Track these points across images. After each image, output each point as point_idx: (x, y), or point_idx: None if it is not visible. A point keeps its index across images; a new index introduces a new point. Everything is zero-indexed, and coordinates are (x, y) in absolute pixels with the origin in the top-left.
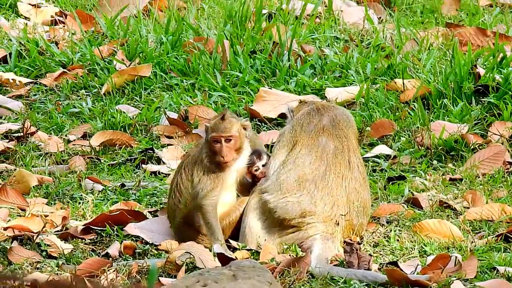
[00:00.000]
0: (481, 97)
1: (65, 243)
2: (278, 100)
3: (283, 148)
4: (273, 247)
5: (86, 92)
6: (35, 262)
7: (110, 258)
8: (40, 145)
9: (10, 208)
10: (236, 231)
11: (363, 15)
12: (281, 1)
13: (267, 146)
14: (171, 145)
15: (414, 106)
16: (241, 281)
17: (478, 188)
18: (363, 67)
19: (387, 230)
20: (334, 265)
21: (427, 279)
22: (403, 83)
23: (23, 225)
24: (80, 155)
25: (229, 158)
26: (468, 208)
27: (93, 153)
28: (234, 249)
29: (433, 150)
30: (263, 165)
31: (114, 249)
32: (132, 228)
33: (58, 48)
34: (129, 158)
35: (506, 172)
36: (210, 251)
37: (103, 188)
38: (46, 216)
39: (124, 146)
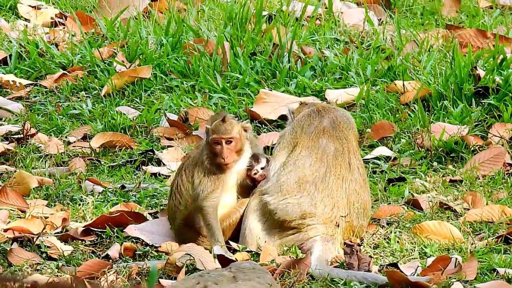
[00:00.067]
0: (481, 98)
1: (65, 244)
2: (278, 102)
3: (284, 150)
4: (273, 248)
5: (86, 93)
6: (35, 263)
7: (110, 260)
8: (40, 146)
9: (10, 209)
10: (236, 233)
11: (363, 17)
12: (281, 3)
13: (267, 147)
14: (171, 146)
15: (414, 108)
16: (241, 283)
17: (478, 190)
18: (363, 68)
19: (387, 232)
20: (334, 267)
21: (427, 280)
22: (403, 85)
23: (23, 226)
24: (80, 156)
25: (229, 160)
26: (468, 209)
27: (93, 155)
28: (234, 251)
29: (433, 152)
30: (262, 168)
31: (114, 250)
32: (132, 229)
33: (58, 49)
34: (129, 159)
35: (506, 174)
36: (210, 252)
37: (103, 190)
38: (46, 217)
39: (124, 147)
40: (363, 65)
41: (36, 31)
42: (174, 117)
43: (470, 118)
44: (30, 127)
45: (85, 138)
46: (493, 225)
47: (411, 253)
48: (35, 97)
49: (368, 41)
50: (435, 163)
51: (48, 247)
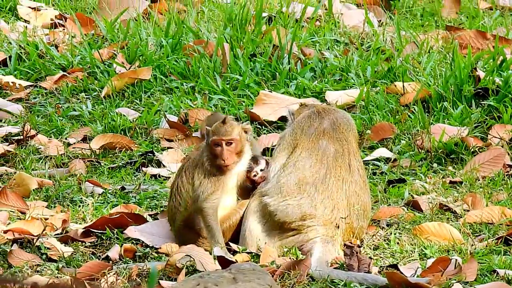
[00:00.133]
0: (481, 100)
1: (65, 246)
2: (278, 103)
3: (284, 151)
4: (273, 250)
5: (86, 95)
6: (35, 265)
7: (110, 261)
8: (40, 148)
9: (10, 211)
10: (236, 234)
11: (363, 18)
12: (281, 4)
13: (267, 149)
14: (171, 148)
15: (414, 109)
16: (241, 284)
17: (478, 191)
18: (363, 70)
19: (387, 233)
20: (334, 268)
21: (427, 282)
22: (403, 86)
23: (23, 228)
24: (80, 158)
25: (230, 161)
26: (468, 211)
27: (93, 156)
28: (234, 252)
29: (433, 153)
30: (261, 170)
31: (114, 252)
32: (132, 231)
33: (58, 51)
34: (129, 161)
35: (506, 175)
36: (211, 254)
37: (103, 191)
38: (46, 219)
39: (124, 149)
40: (363, 66)
41: (36, 32)
42: (174, 118)
43: (470, 119)
44: (30, 129)
45: (85, 139)
46: (493, 227)
47: (411, 254)
48: (35, 98)
49: (368, 43)
50: (435, 165)
51: (48, 248)
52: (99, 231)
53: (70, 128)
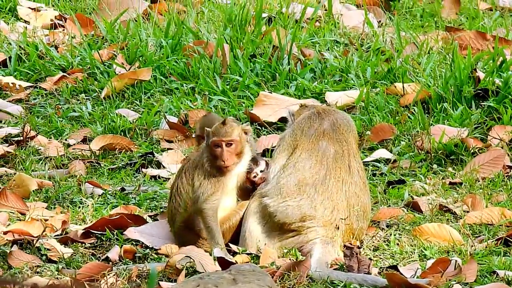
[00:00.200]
0: (481, 101)
1: (65, 247)
2: (278, 104)
3: (284, 152)
4: (273, 251)
5: (86, 96)
6: (35, 266)
7: (110, 262)
8: (40, 149)
9: (10, 212)
10: (236, 235)
11: (363, 19)
12: (281, 5)
13: (267, 150)
14: (171, 149)
15: (414, 110)
16: (241, 285)
17: (478, 192)
18: (363, 71)
19: (387, 234)
20: (334, 269)
21: (427, 283)
22: (403, 87)
23: (23, 229)
24: (80, 159)
25: (230, 162)
26: (468, 212)
27: (93, 157)
28: (234, 253)
29: (433, 154)
30: (261, 171)
31: (114, 253)
32: (132, 232)
33: (57, 52)
34: (129, 162)
35: (506, 176)
36: (210, 255)
37: (103, 192)
38: (46, 220)
39: (124, 150)
40: (363, 67)
41: (35, 33)
42: (174, 119)
43: (470, 120)
44: (30, 130)
45: (85, 140)
46: (492, 228)
47: (411, 255)
48: (34, 99)
49: (368, 43)
50: (434, 166)
51: (48, 249)
52: (99, 232)
53: (70, 129)
